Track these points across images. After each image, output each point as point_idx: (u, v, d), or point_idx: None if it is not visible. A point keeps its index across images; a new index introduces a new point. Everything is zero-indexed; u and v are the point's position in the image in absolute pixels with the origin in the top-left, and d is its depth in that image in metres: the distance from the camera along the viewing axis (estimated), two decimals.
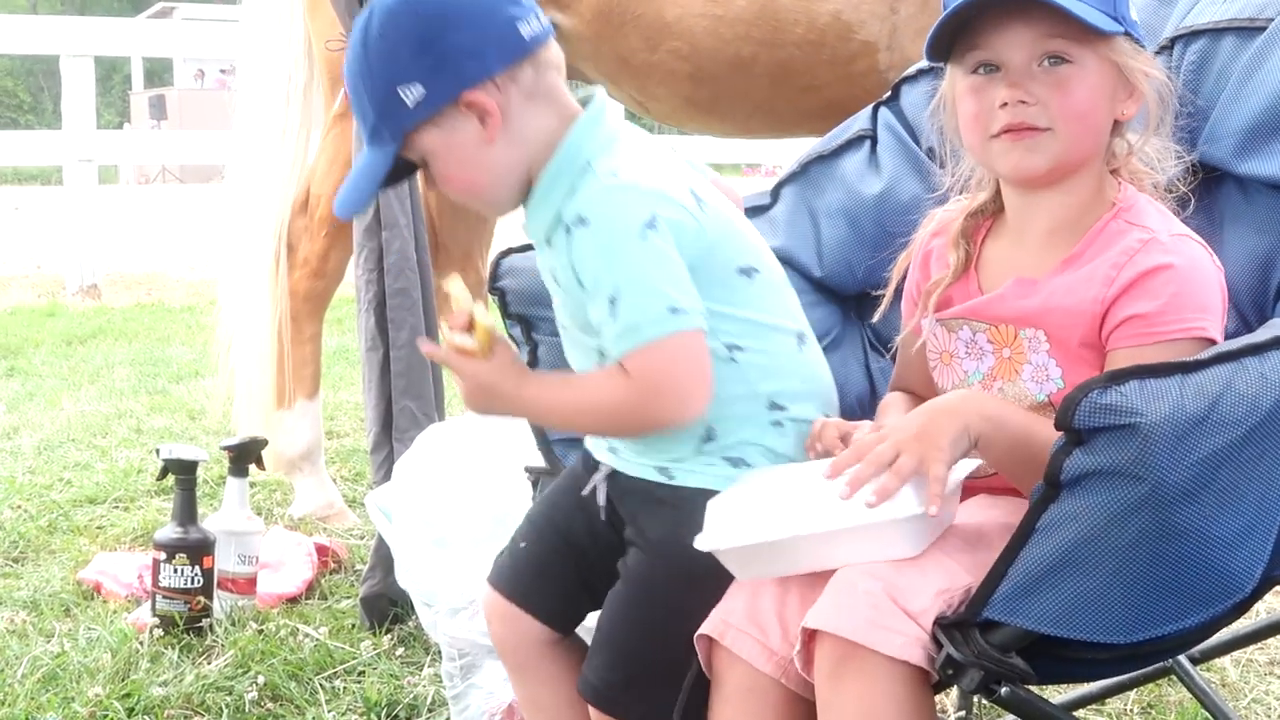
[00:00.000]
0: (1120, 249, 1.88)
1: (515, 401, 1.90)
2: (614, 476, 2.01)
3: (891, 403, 2.14)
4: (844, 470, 1.78)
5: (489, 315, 1.93)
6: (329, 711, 2.76)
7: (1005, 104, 1.90)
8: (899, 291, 2.18)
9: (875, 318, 2.28)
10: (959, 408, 1.80)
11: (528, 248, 2.44)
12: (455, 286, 1.93)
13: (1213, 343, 1.82)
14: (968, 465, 1.79)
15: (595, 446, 2.04)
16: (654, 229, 1.79)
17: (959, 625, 1.69)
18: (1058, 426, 1.64)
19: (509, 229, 3.65)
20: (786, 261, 2.54)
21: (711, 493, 1.87)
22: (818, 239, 2.53)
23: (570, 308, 1.93)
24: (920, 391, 2.12)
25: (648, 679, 1.91)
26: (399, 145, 1.85)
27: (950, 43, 1.96)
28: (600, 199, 1.82)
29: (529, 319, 2.35)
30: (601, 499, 2.02)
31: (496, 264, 2.39)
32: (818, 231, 2.54)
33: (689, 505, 1.87)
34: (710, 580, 1.83)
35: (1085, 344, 1.89)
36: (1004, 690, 1.70)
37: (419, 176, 1.94)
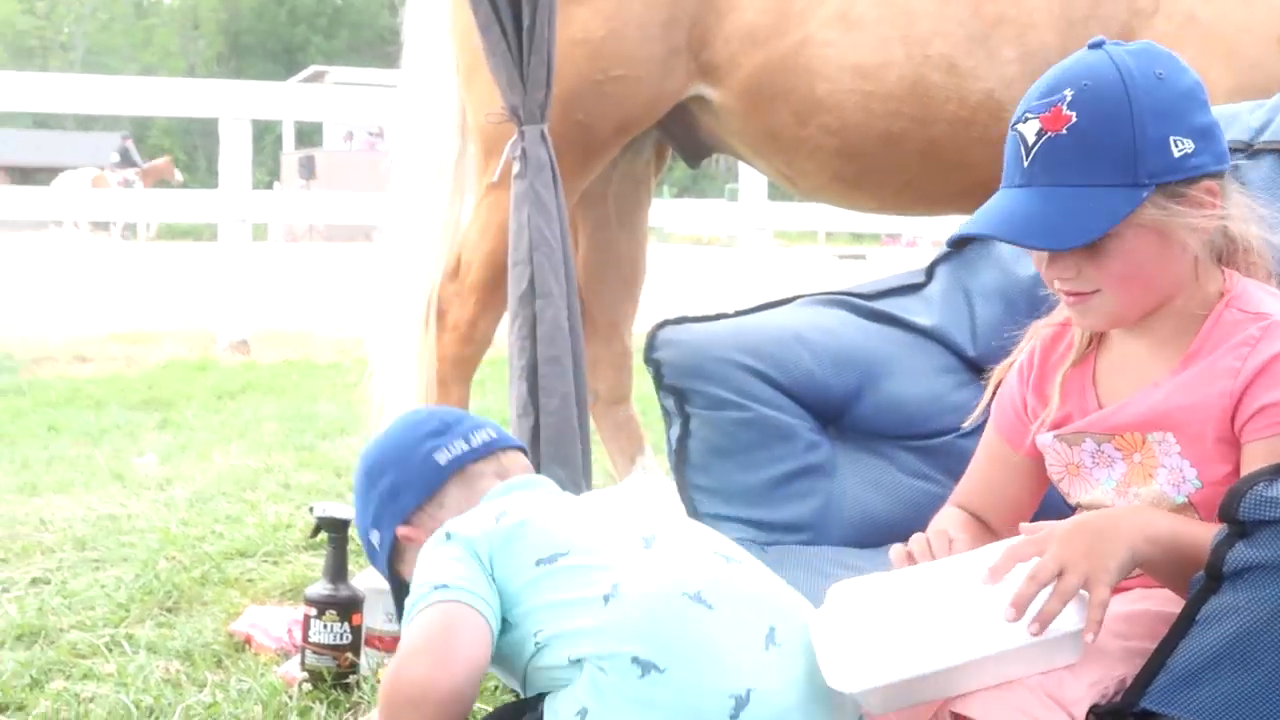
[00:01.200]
0: (1240, 339, 1.86)
1: None
2: None
3: (948, 520, 2.10)
4: (1003, 575, 1.74)
5: None
6: None
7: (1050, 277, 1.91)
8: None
9: (967, 424, 2.26)
10: (1124, 530, 1.75)
11: (684, 319, 2.48)
12: None
13: None
14: None
15: None
16: (446, 540, 1.88)
17: (1115, 715, 1.68)
18: (1220, 517, 1.63)
19: (658, 299, 3.69)
20: (941, 340, 2.56)
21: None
22: (972, 318, 2.55)
23: None
24: (982, 511, 2.11)
25: None
26: (391, 575, 2.09)
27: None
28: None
29: (684, 391, 2.39)
30: None
31: (654, 335, 2.43)
32: (972, 311, 2.55)
33: None
34: None
35: (1219, 439, 1.85)
36: None
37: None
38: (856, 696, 1.72)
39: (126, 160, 29.26)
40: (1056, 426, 2.02)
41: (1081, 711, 1.68)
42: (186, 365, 8.86)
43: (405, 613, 1.82)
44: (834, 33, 3.71)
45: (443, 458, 2.01)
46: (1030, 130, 1.85)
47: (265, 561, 4.25)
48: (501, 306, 3.70)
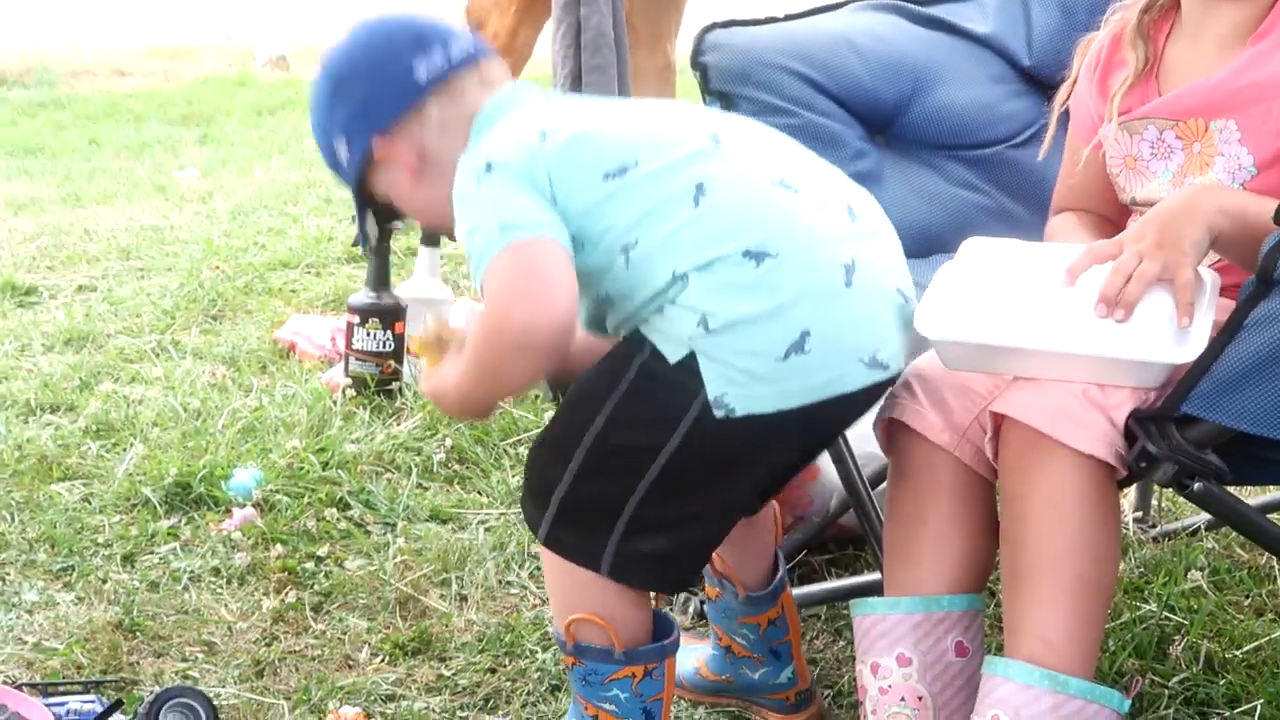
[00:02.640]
0: None
1: (448, 400, 1.81)
2: None
3: (1062, 226, 2.08)
4: (1080, 273, 1.72)
5: (415, 337, 1.97)
6: (513, 475, 2.84)
7: None
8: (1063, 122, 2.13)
9: (1040, 156, 2.22)
10: (1196, 206, 1.74)
11: (732, 23, 2.42)
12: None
13: None
14: (1212, 291, 1.72)
15: None
16: (489, 172, 1.74)
17: (1155, 419, 1.67)
18: (1276, 220, 1.60)
19: (704, 10, 3.61)
20: (995, 48, 2.49)
21: (628, 338, 1.78)
22: (1028, 25, 2.48)
23: None
24: (1094, 208, 2.07)
25: None
26: (357, 191, 1.89)
27: None
28: (456, 173, 1.81)
29: (730, 96, 2.34)
30: None
31: (701, 37, 2.37)
32: (1029, 18, 2.49)
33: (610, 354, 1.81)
34: None
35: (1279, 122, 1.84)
36: (1197, 486, 1.69)
37: None
38: (934, 344, 1.75)
39: None
40: (1121, 115, 1.99)
41: (1122, 416, 1.67)
42: (225, 81, 8.79)
43: (476, 262, 1.71)
44: None
45: (423, 71, 1.84)
46: None
47: (308, 273, 4.28)
48: (544, 15, 3.62)
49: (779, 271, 1.68)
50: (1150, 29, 2.00)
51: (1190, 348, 1.65)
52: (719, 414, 1.68)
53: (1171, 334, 1.66)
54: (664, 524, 1.75)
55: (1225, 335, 1.63)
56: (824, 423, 1.78)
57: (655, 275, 1.70)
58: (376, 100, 1.84)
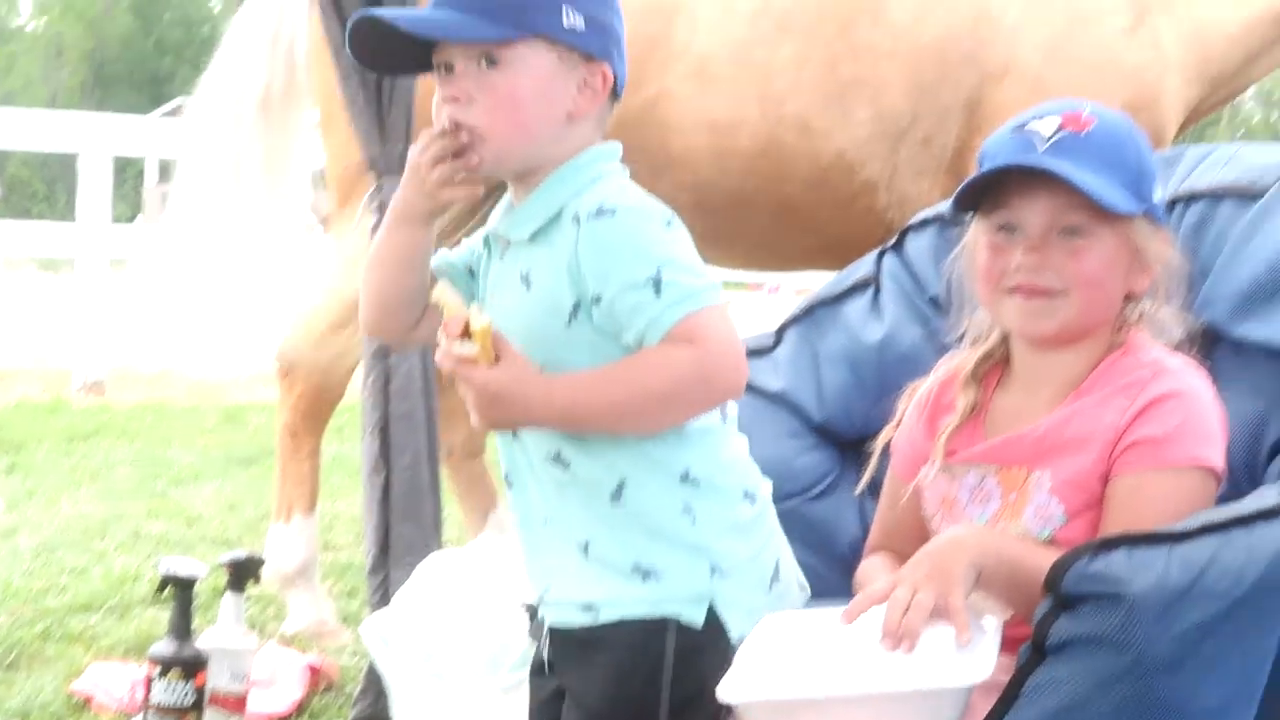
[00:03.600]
0: (1133, 379, 1.94)
1: (540, 405, 1.78)
2: (552, 637, 1.92)
3: (873, 567, 2.14)
4: (857, 615, 1.78)
5: (484, 315, 1.79)
6: None
7: (1020, 266, 1.96)
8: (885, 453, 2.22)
9: (859, 489, 2.30)
10: (964, 541, 1.84)
11: None
12: (444, 294, 1.87)
13: (1215, 473, 1.89)
14: (995, 628, 1.77)
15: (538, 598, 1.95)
16: (670, 226, 1.81)
17: None
18: (1046, 589, 1.67)
19: None
20: (789, 404, 2.58)
21: (635, 624, 1.80)
22: (819, 383, 2.57)
23: (529, 313, 1.86)
24: (908, 549, 2.14)
25: None
26: (513, 35, 1.81)
27: (979, 197, 2.03)
28: (625, 193, 1.83)
29: None
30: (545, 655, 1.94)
31: None
32: (819, 375, 2.58)
33: (619, 647, 1.81)
34: None
35: (1095, 475, 1.93)
36: None
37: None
38: (738, 710, 1.77)
39: None
40: (945, 458, 2.08)
41: None
42: (37, 407, 8.65)
43: (676, 301, 1.74)
44: (690, 87, 3.74)
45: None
46: (1048, 125, 1.96)
47: (110, 615, 4.17)
48: (354, 357, 3.68)
49: (763, 509, 1.90)
50: (983, 377, 2.11)
51: (977, 668, 1.68)
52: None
53: (956, 659, 1.70)
54: None
55: (1004, 703, 1.69)
56: None
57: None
58: (621, 46, 1.89)
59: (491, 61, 1.80)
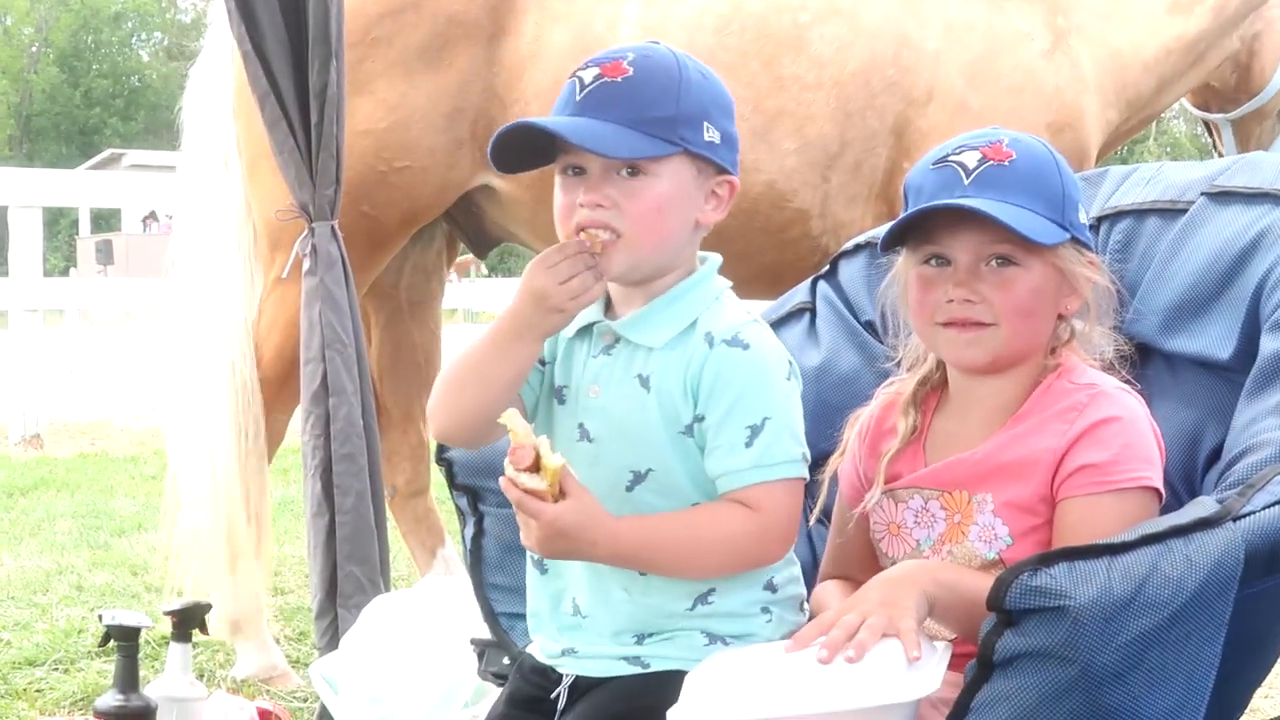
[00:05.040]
0: (1069, 403, 1.98)
1: (606, 546, 1.83)
2: (576, 684, 1.96)
3: (825, 594, 2.16)
4: (807, 643, 1.79)
5: (556, 454, 1.80)
6: None
7: (952, 300, 1.98)
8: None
9: (812, 520, 2.32)
10: (914, 575, 1.86)
11: None
12: (514, 420, 1.81)
13: (1158, 493, 1.93)
14: (945, 647, 1.81)
15: (551, 652, 1.99)
16: (789, 378, 1.92)
17: None
18: (989, 607, 1.68)
19: None
20: None
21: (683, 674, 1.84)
22: None
23: (645, 414, 1.91)
24: (859, 575, 2.16)
25: None
26: (666, 152, 1.87)
27: (906, 234, 2.05)
28: (758, 332, 1.92)
29: (476, 490, 2.39)
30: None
31: None
32: None
33: (664, 692, 1.82)
34: None
35: (1039, 498, 1.96)
36: None
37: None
38: None
39: None
40: (887, 483, 2.10)
41: None
42: None
43: (766, 451, 1.85)
44: None
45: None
46: (970, 158, 1.98)
47: (55, 670, 4.12)
48: (293, 401, 3.66)
49: None
50: (922, 401, 2.13)
51: (925, 683, 1.71)
52: None
53: (904, 675, 1.71)
54: None
55: (953, 719, 1.70)
56: None
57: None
58: (734, 163, 1.96)
59: (634, 170, 1.87)
